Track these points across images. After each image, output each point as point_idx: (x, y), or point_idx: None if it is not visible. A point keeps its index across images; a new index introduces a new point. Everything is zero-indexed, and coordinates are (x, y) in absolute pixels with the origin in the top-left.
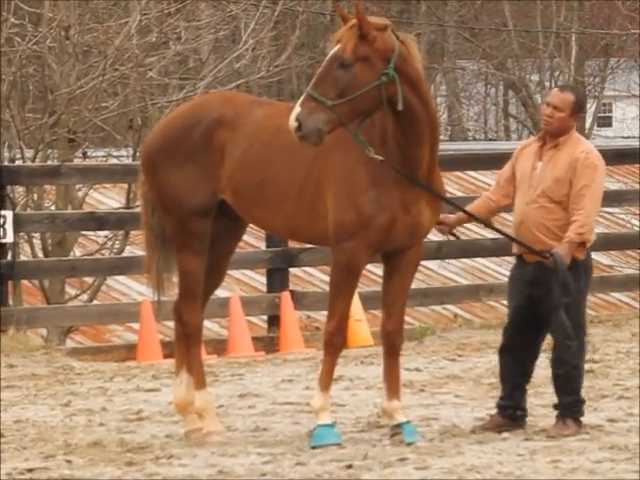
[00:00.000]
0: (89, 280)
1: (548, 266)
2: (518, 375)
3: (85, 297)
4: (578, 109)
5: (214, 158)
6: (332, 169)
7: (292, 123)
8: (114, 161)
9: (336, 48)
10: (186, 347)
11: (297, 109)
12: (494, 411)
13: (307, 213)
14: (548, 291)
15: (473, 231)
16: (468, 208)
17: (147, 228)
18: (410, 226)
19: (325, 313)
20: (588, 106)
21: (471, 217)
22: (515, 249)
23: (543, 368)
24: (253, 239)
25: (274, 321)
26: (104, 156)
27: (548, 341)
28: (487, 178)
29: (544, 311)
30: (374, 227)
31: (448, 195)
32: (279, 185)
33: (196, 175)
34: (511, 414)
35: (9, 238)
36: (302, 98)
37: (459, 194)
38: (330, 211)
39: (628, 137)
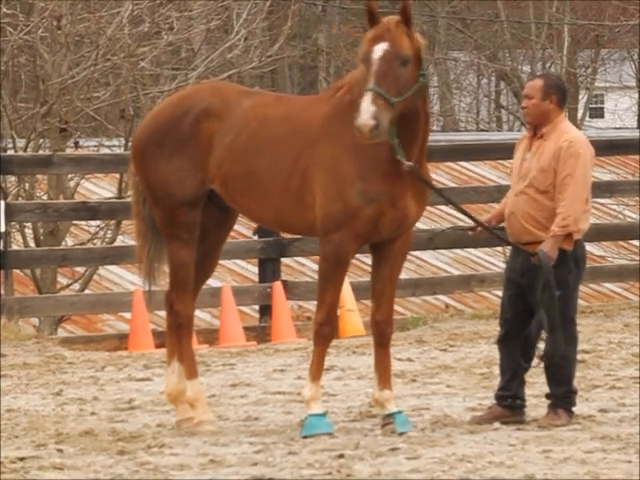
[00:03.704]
0: (81, 270)
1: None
2: (516, 365)
3: (77, 286)
4: (550, 92)
5: (202, 148)
6: (320, 160)
7: (369, 121)
8: (106, 151)
9: (387, 45)
10: (177, 337)
11: (371, 107)
12: (491, 402)
13: (294, 204)
14: (535, 282)
15: (464, 221)
16: (497, 210)
17: (138, 218)
18: (397, 219)
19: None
20: (580, 97)
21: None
22: (510, 239)
23: None
24: (245, 229)
25: (266, 311)
26: (96, 146)
27: None
28: (479, 169)
29: (531, 301)
30: (361, 219)
31: (439, 186)
32: (266, 176)
33: (185, 165)
34: (510, 404)
35: (1, 227)
36: (371, 95)
37: (451, 184)
38: (317, 202)
39: (620, 128)
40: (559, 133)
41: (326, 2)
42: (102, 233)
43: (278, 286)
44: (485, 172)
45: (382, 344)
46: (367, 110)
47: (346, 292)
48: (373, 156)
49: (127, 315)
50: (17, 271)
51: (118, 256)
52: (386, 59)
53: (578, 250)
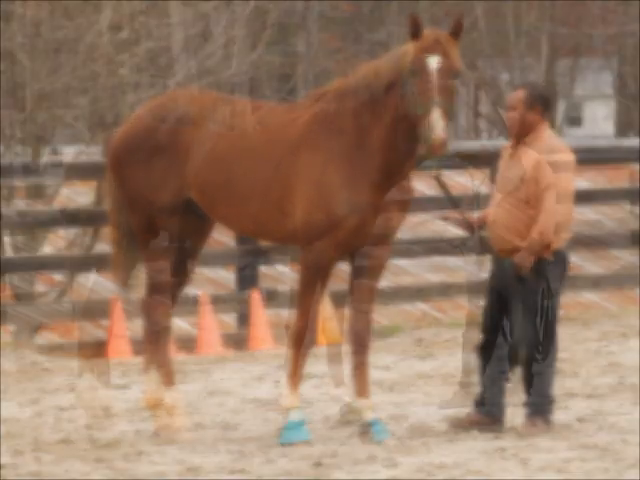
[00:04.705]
0: (59, 277)
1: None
2: (496, 372)
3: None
4: (534, 103)
5: (180, 156)
6: (302, 169)
7: (444, 135)
8: (84, 158)
9: (443, 58)
10: (155, 344)
11: (442, 121)
12: (469, 410)
13: (273, 212)
14: (517, 290)
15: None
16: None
17: (115, 226)
18: (380, 229)
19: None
20: (559, 105)
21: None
22: (493, 247)
23: None
24: (223, 237)
25: (244, 319)
26: (75, 153)
27: None
28: (457, 177)
29: (512, 309)
30: (344, 228)
31: (418, 194)
32: (245, 184)
33: (162, 173)
34: (488, 412)
35: None
36: (439, 109)
37: (428, 192)
38: (299, 211)
39: (598, 137)
40: (541, 143)
41: (305, 10)
42: (80, 240)
43: (256, 294)
44: (462, 180)
45: (360, 352)
46: (440, 125)
47: (325, 300)
48: (359, 165)
49: (105, 323)
50: None
51: (96, 263)
52: (443, 72)
53: (560, 259)
